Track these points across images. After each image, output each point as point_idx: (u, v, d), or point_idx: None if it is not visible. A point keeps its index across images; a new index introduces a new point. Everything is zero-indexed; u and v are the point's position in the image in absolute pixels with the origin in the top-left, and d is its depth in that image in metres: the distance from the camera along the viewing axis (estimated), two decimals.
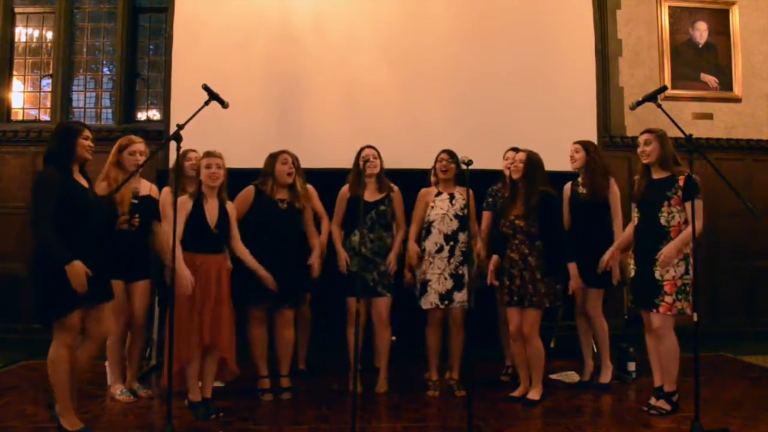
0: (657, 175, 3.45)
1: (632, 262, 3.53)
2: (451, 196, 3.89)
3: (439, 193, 3.92)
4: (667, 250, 3.30)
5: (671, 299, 3.32)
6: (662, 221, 3.38)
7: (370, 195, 3.89)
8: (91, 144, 3.10)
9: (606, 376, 3.97)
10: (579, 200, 3.97)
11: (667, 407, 3.37)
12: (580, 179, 4.04)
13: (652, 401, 3.44)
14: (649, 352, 3.52)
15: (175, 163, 3.24)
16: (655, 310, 3.35)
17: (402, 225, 3.95)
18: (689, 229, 3.18)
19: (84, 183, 3.07)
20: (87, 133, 3.09)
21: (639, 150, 3.51)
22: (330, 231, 4.00)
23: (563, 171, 4.12)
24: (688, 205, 3.27)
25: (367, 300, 3.83)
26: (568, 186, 4.08)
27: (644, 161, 3.48)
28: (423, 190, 3.98)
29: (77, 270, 2.80)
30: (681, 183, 3.35)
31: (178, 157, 3.15)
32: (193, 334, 3.24)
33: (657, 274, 3.34)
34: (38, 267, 2.88)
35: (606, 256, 3.80)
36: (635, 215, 3.56)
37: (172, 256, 3.05)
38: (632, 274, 3.52)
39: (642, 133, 3.51)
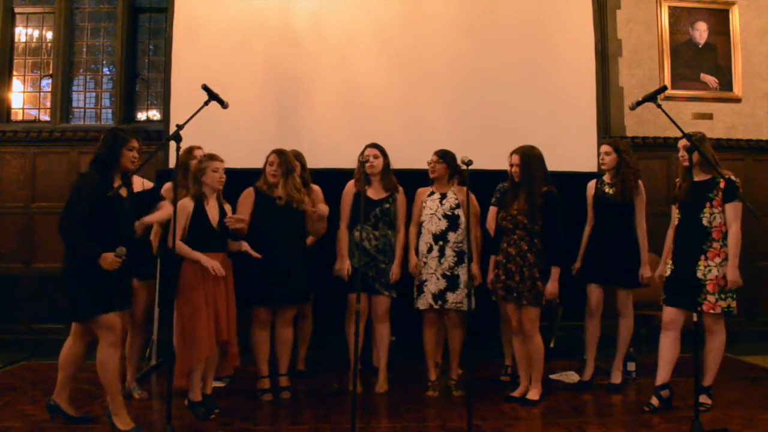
0: (698, 177, 3.47)
1: (670, 262, 3.56)
2: (443, 196, 3.88)
3: (431, 193, 3.92)
4: (730, 274, 3.35)
5: (714, 298, 3.37)
6: (704, 222, 3.44)
7: (375, 193, 3.89)
8: (136, 155, 3.12)
9: (617, 377, 4.00)
10: (606, 200, 3.97)
11: (709, 401, 3.45)
12: (606, 179, 4.02)
13: (653, 401, 3.45)
14: (661, 349, 3.52)
15: (177, 161, 3.23)
16: (699, 309, 3.36)
17: (401, 228, 3.94)
18: (731, 237, 3.38)
19: (123, 192, 3.08)
20: (134, 143, 3.11)
21: (679, 155, 3.55)
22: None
23: (564, 171, 4.12)
24: (726, 206, 3.41)
25: (367, 297, 3.82)
26: (592, 184, 4.08)
27: (685, 165, 3.51)
28: (419, 190, 3.99)
29: (108, 258, 2.88)
30: (722, 185, 3.42)
31: (178, 157, 3.13)
32: (209, 332, 3.27)
33: (699, 274, 3.38)
34: (78, 268, 2.94)
35: (646, 272, 3.88)
36: (675, 216, 3.60)
37: (173, 248, 3.07)
38: (668, 273, 3.55)
39: (681, 138, 3.52)
